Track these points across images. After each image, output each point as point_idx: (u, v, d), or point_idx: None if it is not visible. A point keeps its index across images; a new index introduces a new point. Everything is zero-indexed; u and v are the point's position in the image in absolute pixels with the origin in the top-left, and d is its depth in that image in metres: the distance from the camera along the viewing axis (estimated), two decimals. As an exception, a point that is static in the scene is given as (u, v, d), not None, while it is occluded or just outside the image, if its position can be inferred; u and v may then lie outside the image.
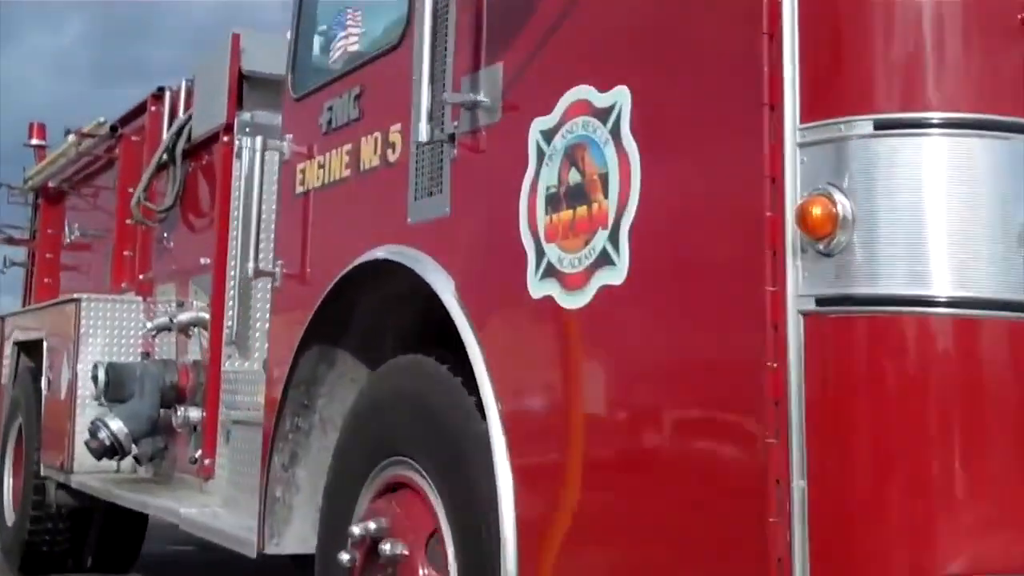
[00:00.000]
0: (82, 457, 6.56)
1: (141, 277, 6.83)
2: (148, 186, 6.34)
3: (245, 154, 5.62)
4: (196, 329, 5.91)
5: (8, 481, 8.04)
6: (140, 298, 6.82)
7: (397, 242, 3.35)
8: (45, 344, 7.30)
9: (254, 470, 4.52)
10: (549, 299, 2.59)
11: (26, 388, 7.72)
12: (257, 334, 5.66)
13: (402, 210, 3.32)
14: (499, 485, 2.64)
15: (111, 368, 5.94)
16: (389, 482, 3.36)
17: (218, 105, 5.83)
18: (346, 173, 3.70)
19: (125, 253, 7.20)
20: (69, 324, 6.74)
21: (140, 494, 5.53)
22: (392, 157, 3.42)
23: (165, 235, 6.47)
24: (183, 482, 5.91)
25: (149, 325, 6.17)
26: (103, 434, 5.78)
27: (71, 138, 7.86)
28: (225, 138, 5.73)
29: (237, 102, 5.74)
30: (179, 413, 5.67)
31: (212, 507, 4.88)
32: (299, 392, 3.88)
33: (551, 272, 2.60)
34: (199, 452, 5.60)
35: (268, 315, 5.02)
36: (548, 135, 2.67)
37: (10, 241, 9.49)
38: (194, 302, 5.87)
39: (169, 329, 6.22)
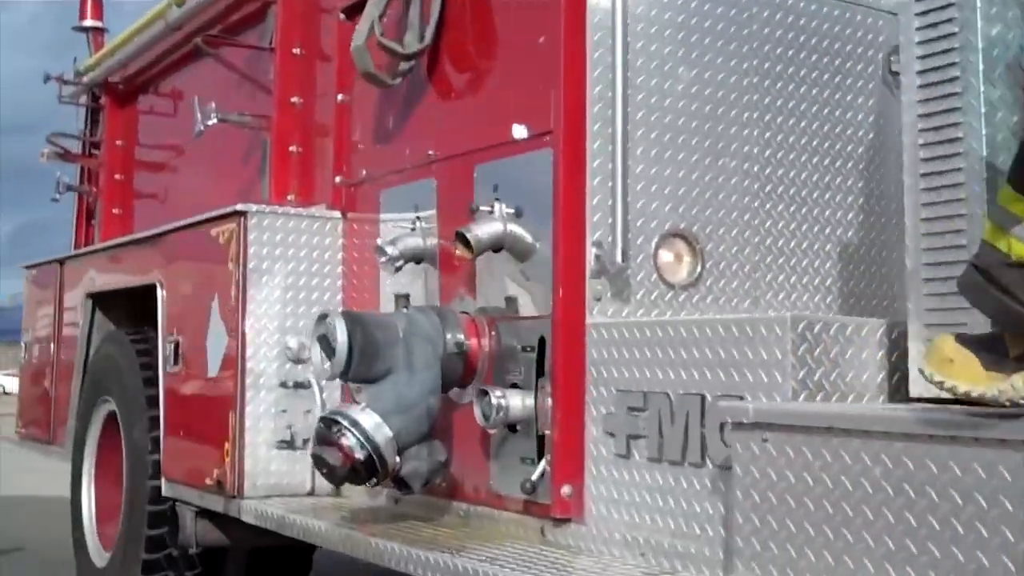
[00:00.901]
0: (258, 473, 4.00)
1: (337, 180, 4.23)
2: (383, 16, 3.73)
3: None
4: (493, 256, 3.33)
5: (90, 499, 5.41)
6: (338, 213, 4.23)
7: None
8: (162, 293, 4.69)
9: (841, 525, 2.00)
10: None
11: (118, 361, 5.10)
12: (640, 257, 3.13)
13: None
14: None
15: (355, 324, 3.33)
16: None
17: None
18: None
19: (291, 148, 4.60)
20: (223, 256, 4.14)
21: (439, 552, 2.95)
22: None
23: (401, 100, 3.88)
24: (478, 521, 3.35)
25: (391, 251, 3.59)
26: (351, 439, 3.19)
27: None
28: (570, -95, 3.15)
29: None
30: (492, 402, 3.11)
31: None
32: None
33: None
34: (541, 472, 3.05)
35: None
36: None
37: (64, 157, 6.78)
38: (495, 206, 3.29)
39: (421, 260, 3.67)
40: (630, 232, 3.05)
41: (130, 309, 5.57)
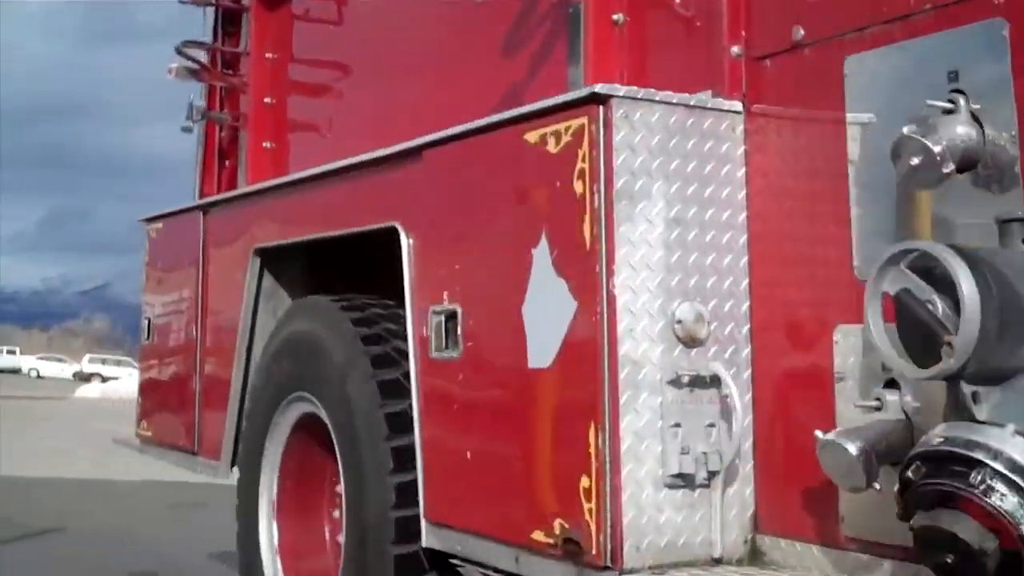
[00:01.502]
0: (644, 527, 2.42)
1: (734, 51, 2.63)
2: None
3: None
4: None
5: (273, 541, 3.81)
6: (738, 103, 2.63)
7: None
8: (408, 241, 3.10)
9: None
10: None
11: (322, 342, 3.52)
12: None
13: None
14: None
15: (979, 268, 1.72)
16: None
17: None
18: None
19: (615, 17, 3.00)
20: (559, 172, 2.54)
21: None
22: None
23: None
24: None
25: (939, 148, 2.01)
26: (1009, 498, 1.61)
27: None
28: None
29: None
30: None
31: None
32: None
33: None
34: None
35: None
36: None
37: (199, 73, 5.17)
38: None
39: (975, 162, 2.07)
40: None
41: (307, 269, 4.07)
